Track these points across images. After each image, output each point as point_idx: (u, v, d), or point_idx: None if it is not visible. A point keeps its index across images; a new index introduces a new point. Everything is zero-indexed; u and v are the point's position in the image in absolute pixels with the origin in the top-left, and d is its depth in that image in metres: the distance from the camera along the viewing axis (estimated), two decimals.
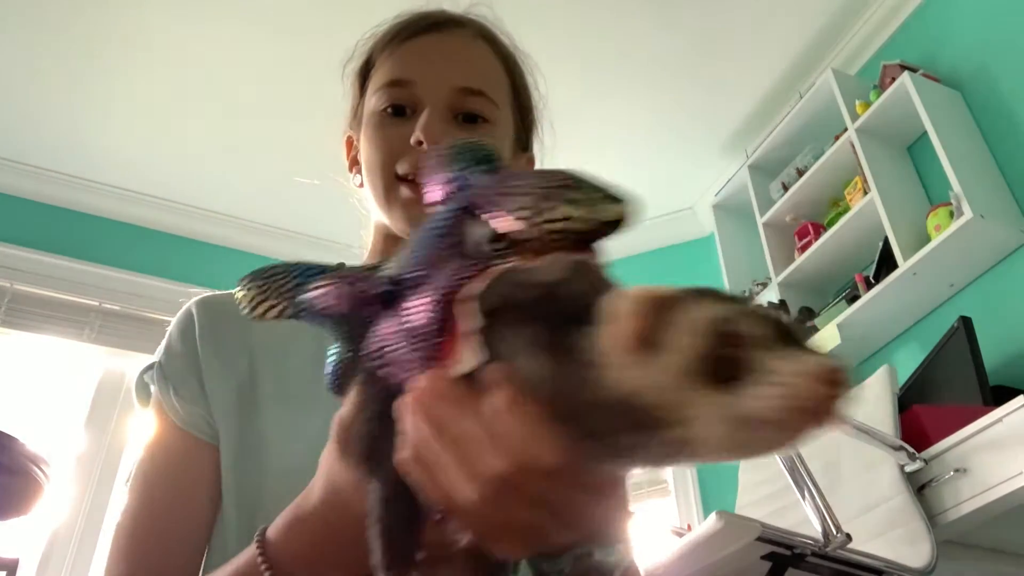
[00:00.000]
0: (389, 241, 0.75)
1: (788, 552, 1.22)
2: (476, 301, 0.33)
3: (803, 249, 2.68)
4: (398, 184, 0.71)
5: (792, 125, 2.85)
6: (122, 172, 3.24)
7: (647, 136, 3.17)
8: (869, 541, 1.41)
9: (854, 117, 2.49)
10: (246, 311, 0.43)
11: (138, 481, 0.66)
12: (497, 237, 0.35)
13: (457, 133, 0.70)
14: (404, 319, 0.37)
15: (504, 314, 0.32)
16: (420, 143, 0.68)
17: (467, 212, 0.38)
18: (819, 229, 2.68)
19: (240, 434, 0.66)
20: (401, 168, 0.70)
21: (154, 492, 0.65)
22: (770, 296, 2.80)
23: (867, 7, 2.70)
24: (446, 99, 0.71)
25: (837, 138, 2.59)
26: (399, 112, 0.72)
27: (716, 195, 3.23)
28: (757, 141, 3.09)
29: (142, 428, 0.68)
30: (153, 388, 0.69)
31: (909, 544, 1.36)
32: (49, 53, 2.74)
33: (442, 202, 0.42)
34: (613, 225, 0.36)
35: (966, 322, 1.88)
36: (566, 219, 0.34)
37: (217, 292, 0.75)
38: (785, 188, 2.85)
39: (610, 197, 0.35)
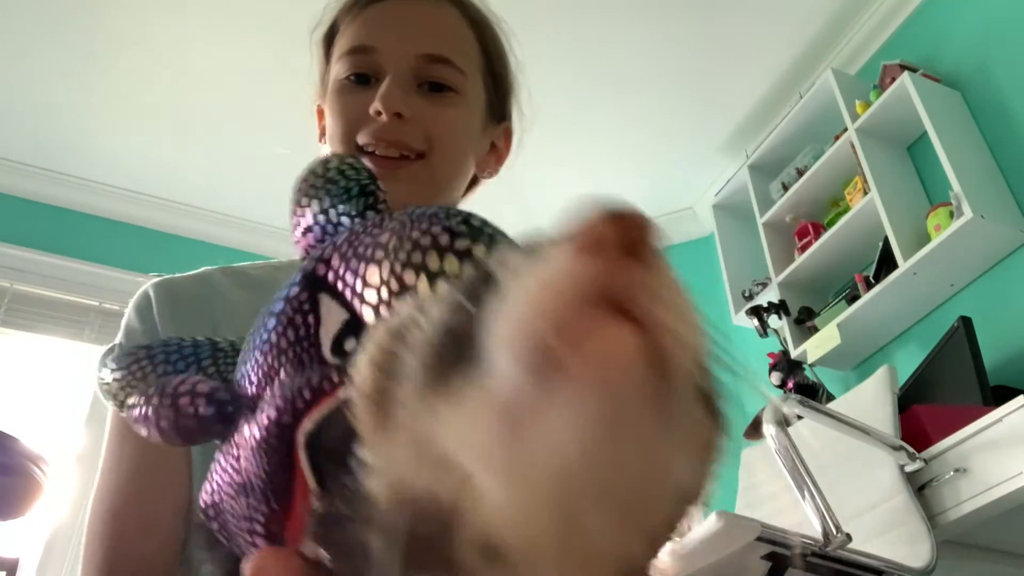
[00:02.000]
0: None
1: (788, 552, 1.22)
2: (305, 447, 0.23)
3: (803, 249, 2.68)
4: (359, 154, 0.67)
5: (792, 125, 2.85)
6: (122, 172, 3.24)
7: (647, 136, 3.17)
8: (869, 541, 1.41)
9: (854, 117, 2.49)
10: (110, 401, 0.35)
11: (108, 466, 0.63)
12: (350, 333, 0.25)
13: (419, 102, 0.67)
14: (237, 461, 0.26)
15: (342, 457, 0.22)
16: (379, 113, 0.65)
17: (310, 284, 0.27)
18: (819, 229, 2.68)
19: None
20: (361, 139, 0.67)
21: (125, 477, 0.61)
22: (770, 296, 2.80)
23: (867, 7, 2.70)
24: (409, 66, 0.68)
25: (837, 138, 2.59)
26: (362, 80, 0.69)
27: (716, 195, 3.23)
28: (757, 141, 3.09)
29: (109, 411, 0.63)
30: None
31: (909, 544, 1.36)
32: (49, 53, 2.74)
33: (305, 248, 0.32)
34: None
35: (966, 322, 1.88)
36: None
37: (174, 275, 0.73)
38: (785, 188, 2.85)
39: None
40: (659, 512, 0.19)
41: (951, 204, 2.09)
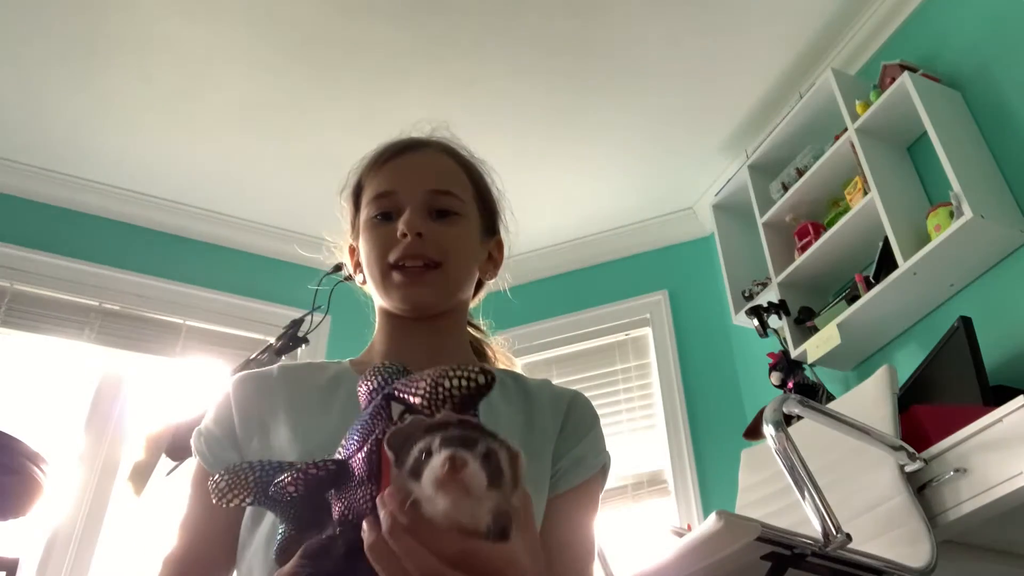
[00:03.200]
0: (390, 319, 0.93)
1: (788, 552, 1.22)
2: (386, 441, 0.50)
3: (803, 249, 2.68)
4: (391, 271, 0.88)
5: (792, 125, 2.85)
6: (122, 172, 3.24)
7: (647, 136, 3.17)
8: (869, 541, 1.41)
9: (854, 117, 2.49)
10: (216, 500, 0.55)
11: (183, 525, 0.82)
12: (408, 410, 0.54)
13: (432, 225, 0.89)
14: (354, 477, 0.52)
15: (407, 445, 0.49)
16: (404, 235, 0.86)
17: (387, 399, 0.57)
18: (819, 229, 2.68)
19: (259, 455, 0.81)
20: (392, 257, 0.87)
21: (192, 532, 0.81)
22: (770, 296, 2.80)
23: (867, 7, 2.70)
24: (422, 200, 0.89)
25: (837, 138, 2.59)
26: (387, 217, 0.90)
27: (716, 195, 3.23)
28: (757, 141, 3.09)
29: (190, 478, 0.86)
30: (196, 454, 0.85)
31: (909, 544, 1.36)
32: (49, 53, 2.75)
33: (371, 401, 0.59)
34: (481, 389, 0.51)
35: (966, 322, 1.88)
36: (450, 388, 0.51)
37: (248, 372, 0.91)
38: (785, 188, 2.85)
39: (479, 371, 0.51)
40: None
41: (951, 204, 2.09)
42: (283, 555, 0.55)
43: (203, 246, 3.47)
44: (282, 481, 0.53)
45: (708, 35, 2.77)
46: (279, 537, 0.55)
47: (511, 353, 1.08)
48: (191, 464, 0.86)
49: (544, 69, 2.88)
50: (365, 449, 0.52)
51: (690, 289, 3.43)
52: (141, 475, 2.15)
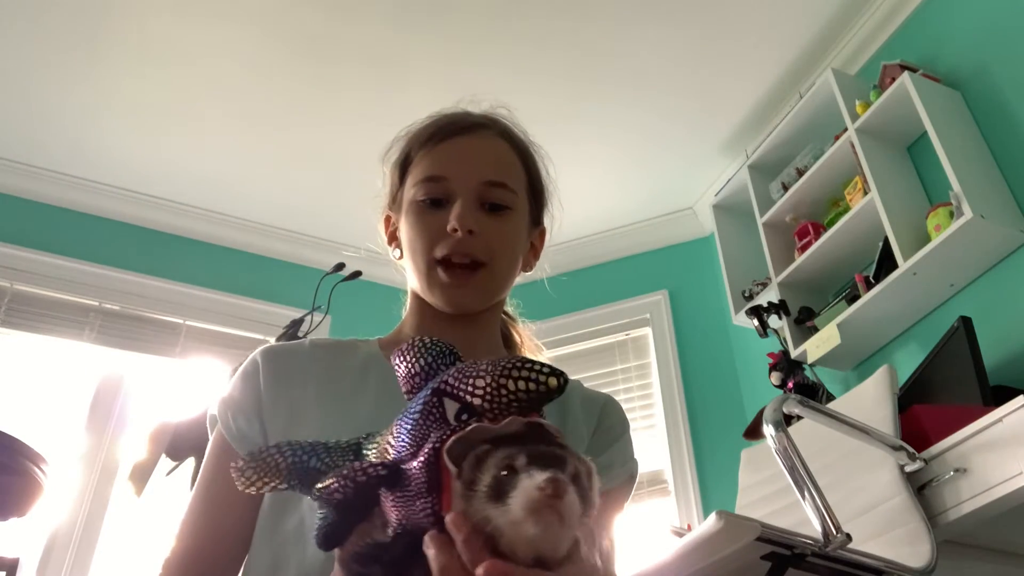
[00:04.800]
0: (424, 306, 0.90)
1: (788, 552, 1.21)
2: (447, 452, 0.45)
3: (803, 249, 2.68)
4: (437, 267, 0.84)
5: (792, 125, 2.85)
6: (122, 172, 3.24)
7: (647, 136, 3.17)
8: (869, 541, 1.41)
9: (854, 117, 2.49)
10: (242, 486, 0.54)
11: (196, 499, 0.79)
12: (465, 411, 0.48)
13: (484, 219, 0.85)
14: (410, 486, 0.48)
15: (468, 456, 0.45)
16: (455, 231, 0.82)
17: (438, 395, 0.50)
18: (819, 229, 2.68)
19: (285, 432, 0.77)
20: (439, 252, 0.84)
21: (207, 510, 0.78)
22: (770, 296, 2.80)
23: (867, 7, 2.70)
24: (474, 191, 0.86)
25: (837, 138, 2.59)
26: (436, 203, 0.86)
27: (716, 195, 3.23)
28: (757, 141, 3.09)
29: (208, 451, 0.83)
30: (219, 423, 0.82)
31: (909, 544, 1.36)
32: (50, 53, 2.75)
33: (414, 385, 0.55)
34: (551, 393, 0.46)
35: (966, 322, 1.88)
36: (516, 391, 0.46)
37: (280, 344, 0.88)
38: (785, 188, 2.85)
39: (550, 371, 0.46)
40: None
41: (951, 204, 2.09)
42: (328, 541, 0.51)
43: (203, 246, 3.47)
44: (328, 487, 0.49)
45: (708, 35, 2.77)
46: (319, 521, 0.51)
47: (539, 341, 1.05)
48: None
49: (544, 69, 2.88)
50: (422, 458, 0.47)
51: (690, 289, 3.43)
52: (141, 475, 2.15)
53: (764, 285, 2.90)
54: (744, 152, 3.16)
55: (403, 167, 0.92)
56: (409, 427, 0.51)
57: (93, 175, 3.25)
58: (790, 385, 2.52)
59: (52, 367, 3.05)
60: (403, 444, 0.51)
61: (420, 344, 0.56)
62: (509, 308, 1.04)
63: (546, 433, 0.46)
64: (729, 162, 3.28)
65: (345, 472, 0.49)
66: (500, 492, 0.43)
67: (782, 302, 2.67)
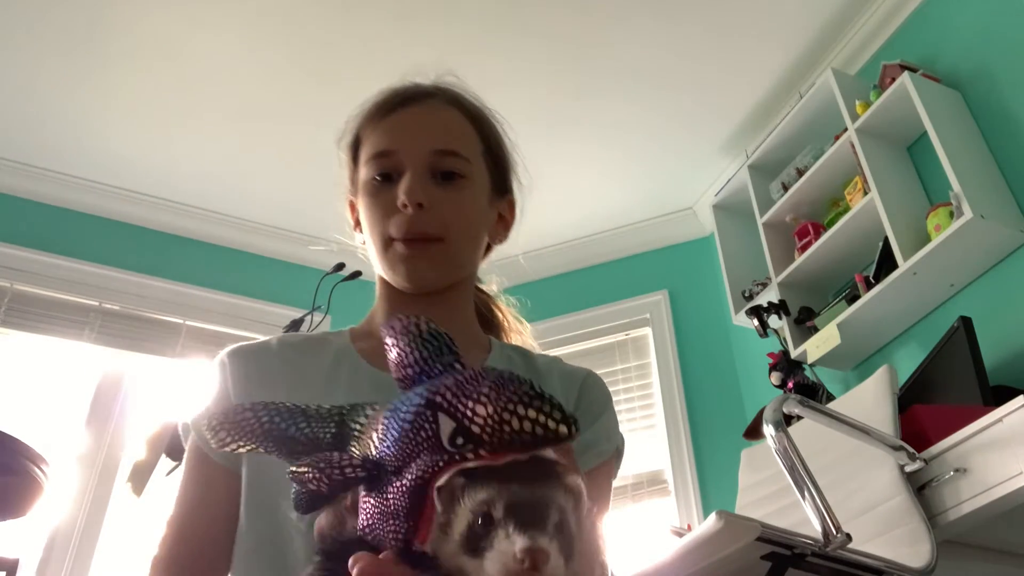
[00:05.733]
0: (392, 289, 0.86)
1: (788, 552, 1.21)
2: (437, 492, 0.42)
3: (803, 249, 2.68)
4: (391, 243, 0.81)
5: (792, 125, 2.85)
6: (122, 172, 3.24)
7: (647, 136, 3.17)
8: (869, 541, 1.41)
9: (854, 117, 2.49)
10: (216, 445, 0.50)
11: (177, 504, 0.78)
12: (460, 435, 0.43)
13: (435, 191, 0.81)
14: (387, 501, 0.45)
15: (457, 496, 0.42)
16: (405, 206, 0.79)
17: (433, 408, 0.44)
18: (819, 229, 2.68)
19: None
20: (392, 231, 0.80)
21: (187, 523, 0.77)
22: (770, 296, 2.80)
23: (867, 7, 2.70)
24: (424, 162, 0.82)
25: (837, 138, 2.59)
26: (387, 179, 0.82)
27: (716, 195, 3.23)
28: (757, 141, 3.09)
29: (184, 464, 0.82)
30: (192, 432, 0.80)
31: (909, 544, 1.36)
32: (50, 54, 2.74)
33: (406, 376, 0.50)
34: (560, 439, 0.41)
35: (966, 322, 1.88)
36: (520, 430, 0.41)
37: (244, 344, 0.85)
38: (785, 188, 2.85)
39: (560, 417, 0.41)
40: None
41: (951, 204, 2.09)
42: (306, 507, 0.48)
43: (203, 246, 3.47)
44: (302, 476, 0.46)
45: (708, 35, 2.77)
46: (294, 492, 0.48)
47: (522, 316, 1.00)
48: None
49: (544, 70, 2.88)
50: (407, 482, 0.44)
51: (690, 289, 3.43)
52: (141, 475, 2.15)
53: (764, 285, 2.90)
54: (744, 152, 3.16)
55: (355, 147, 0.89)
56: (397, 434, 0.46)
57: (93, 175, 3.25)
58: (790, 385, 2.52)
59: (52, 367, 3.05)
60: (388, 451, 0.46)
61: (416, 330, 0.51)
62: (490, 287, 1.00)
63: (542, 463, 0.43)
64: (729, 162, 3.28)
65: (322, 465, 0.46)
66: (474, 545, 0.40)
67: (782, 302, 2.67)
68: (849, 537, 1.21)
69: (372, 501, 0.46)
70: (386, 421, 0.48)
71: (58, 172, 3.22)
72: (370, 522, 0.46)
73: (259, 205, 3.44)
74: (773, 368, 2.62)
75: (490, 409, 0.41)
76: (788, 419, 1.38)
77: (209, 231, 3.48)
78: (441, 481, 0.42)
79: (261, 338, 0.90)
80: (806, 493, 1.26)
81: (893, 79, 2.41)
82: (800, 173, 2.79)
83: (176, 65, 2.81)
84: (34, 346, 3.04)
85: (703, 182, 3.39)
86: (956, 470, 1.44)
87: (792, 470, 1.29)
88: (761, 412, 1.76)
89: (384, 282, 0.88)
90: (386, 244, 0.82)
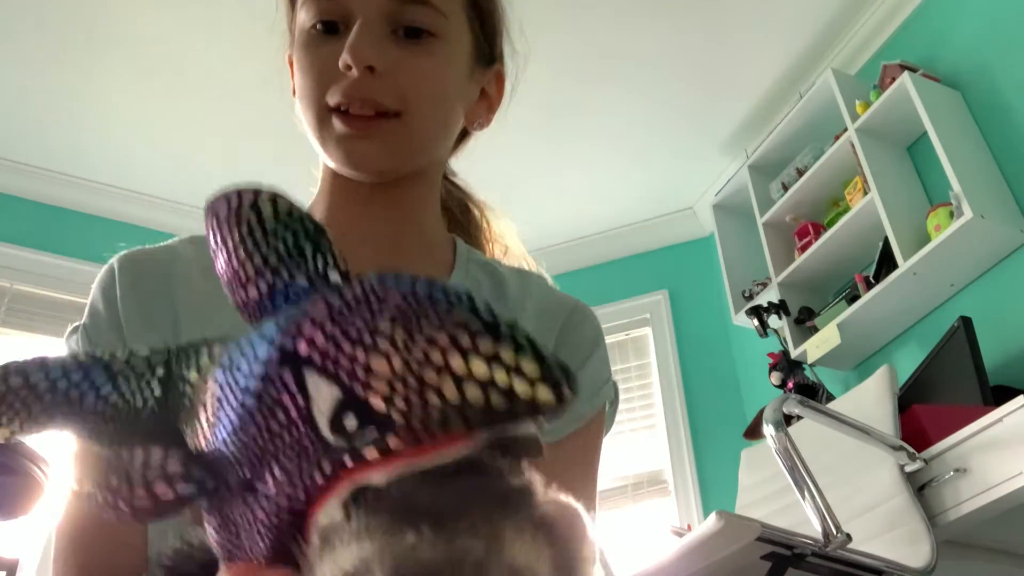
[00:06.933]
0: (336, 178, 0.67)
1: (788, 552, 1.22)
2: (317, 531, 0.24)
3: (803, 249, 2.68)
4: (330, 116, 0.61)
5: (792, 125, 2.85)
6: (121, 172, 3.24)
7: (647, 136, 3.17)
8: (869, 541, 1.41)
9: (854, 117, 2.49)
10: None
11: (76, 471, 0.59)
12: (350, 412, 0.24)
13: (393, 51, 0.60)
14: (237, 539, 0.27)
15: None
16: (349, 67, 0.58)
17: (296, 364, 0.25)
18: (819, 229, 2.68)
19: None
20: (332, 99, 0.60)
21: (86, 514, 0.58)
22: (770, 296, 2.80)
23: (867, 7, 2.70)
24: (381, 10, 0.60)
25: (837, 138, 2.59)
26: (330, 29, 0.62)
27: (716, 195, 3.23)
28: (757, 141, 3.09)
29: None
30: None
31: (909, 544, 1.36)
32: (49, 53, 2.74)
33: (248, 302, 0.30)
34: (539, 410, 0.23)
35: (966, 322, 1.88)
36: (461, 401, 0.23)
37: (141, 248, 0.66)
38: (785, 188, 2.85)
39: (537, 370, 0.23)
40: None
41: (951, 204, 2.09)
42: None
43: None
44: (91, 497, 0.28)
45: (708, 35, 2.77)
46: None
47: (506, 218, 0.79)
48: None
49: (543, 70, 2.88)
50: (264, 513, 0.26)
51: (690, 289, 3.42)
52: None
53: (764, 285, 2.90)
54: (744, 152, 3.16)
55: None
56: (237, 415, 0.27)
57: (93, 175, 3.25)
58: (790, 385, 2.52)
59: None
60: (226, 445, 0.27)
61: (254, 214, 0.31)
62: (459, 179, 0.79)
63: (495, 475, 0.25)
64: (729, 162, 3.28)
65: (114, 483, 0.27)
66: None
67: (782, 302, 2.67)
68: (849, 537, 1.22)
69: (218, 535, 0.29)
70: (219, 386, 0.28)
71: (58, 172, 3.22)
72: (222, 545, 0.29)
73: None
74: (773, 368, 2.62)
75: (398, 363, 0.23)
76: (788, 419, 1.38)
77: None
78: (319, 514, 0.24)
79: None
80: (806, 493, 1.26)
81: (893, 79, 2.41)
82: (800, 173, 2.79)
83: (176, 66, 2.80)
84: (34, 346, 3.04)
85: (703, 182, 3.39)
86: (956, 470, 1.44)
87: (792, 470, 1.29)
88: (761, 412, 1.76)
89: (328, 169, 0.68)
90: (321, 116, 0.61)
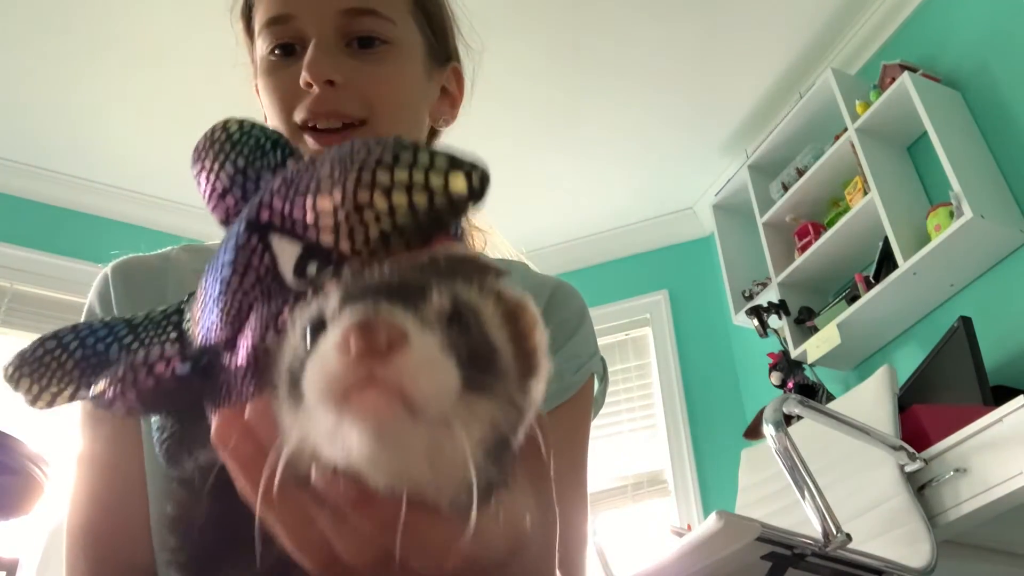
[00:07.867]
0: None
1: (788, 552, 1.22)
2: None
3: (803, 249, 2.68)
4: (301, 134, 0.64)
5: (792, 125, 2.85)
6: (122, 172, 3.24)
7: (647, 136, 3.17)
8: (869, 541, 1.41)
9: (854, 117, 2.49)
10: (28, 402, 0.39)
11: (81, 469, 0.63)
12: (311, 255, 0.27)
13: (350, 63, 0.63)
14: (228, 389, 0.30)
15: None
16: (310, 84, 0.62)
17: (259, 231, 0.29)
18: (819, 229, 2.68)
19: None
20: (298, 116, 0.63)
21: (97, 478, 0.62)
22: (770, 296, 2.80)
23: (867, 7, 2.70)
24: (332, 26, 0.63)
25: (837, 138, 2.59)
26: (288, 51, 0.65)
27: (716, 195, 3.23)
28: (757, 141, 3.09)
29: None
30: None
31: (909, 544, 1.36)
32: (49, 53, 2.74)
33: (229, 211, 0.34)
34: (457, 205, 0.26)
35: (966, 322, 1.88)
36: (390, 214, 0.26)
37: (135, 255, 0.68)
38: (785, 188, 2.85)
39: (446, 166, 0.26)
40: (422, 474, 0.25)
41: (951, 204, 2.09)
42: (172, 459, 0.35)
43: None
44: (102, 395, 0.32)
45: (708, 35, 2.77)
46: (159, 434, 0.36)
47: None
48: None
49: (543, 70, 2.88)
50: (242, 353, 0.29)
51: (690, 289, 3.42)
52: None
53: (764, 285, 2.90)
54: (744, 152, 3.16)
55: (248, 16, 0.74)
56: (218, 290, 0.31)
57: (93, 175, 3.25)
58: (790, 385, 2.52)
59: None
60: (212, 321, 0.31)
61: (221, 135, 0.36)
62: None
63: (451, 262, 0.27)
64: (729, 162, 3.28)
65: (121, 372, 0.31)
66: (294, 379, 0.25)
67: (782, 302, 2.67)
68: (849, 537, 1.22)
69: (210, 400, 0.31)
70: (206, 280, 0.34)
71: (58, 172, 3.22)
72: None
73: None
74: (773, 368, 2.62)
75: (338, 196, 0.27)
76: (788, 419, 1.38)
77: (210, 231, 3.43)
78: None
79: None
80: (806, 493, 1.26)
81: (893, 79, 2.41)
82: (800, 173, 2.79)
83: (176, 65, 2.80)
84: None
85: (703, 182, 3.39)
86: (956, 470, 1.44)
87: (792, 470, 1.29)
88: (761, 412, 1.76)
89: None
90: (293, 135, 0.64)
